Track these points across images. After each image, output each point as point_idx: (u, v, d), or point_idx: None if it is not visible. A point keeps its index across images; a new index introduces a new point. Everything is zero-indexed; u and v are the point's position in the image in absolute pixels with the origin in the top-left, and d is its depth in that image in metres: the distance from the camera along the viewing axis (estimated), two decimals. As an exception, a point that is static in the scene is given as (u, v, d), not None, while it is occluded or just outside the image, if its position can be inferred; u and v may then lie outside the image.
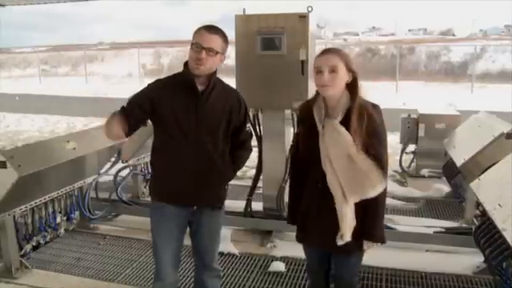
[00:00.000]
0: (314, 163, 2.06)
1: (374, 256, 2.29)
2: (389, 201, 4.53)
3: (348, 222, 1.99)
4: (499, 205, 2.49)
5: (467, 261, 3.46)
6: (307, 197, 2.16)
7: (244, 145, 2.43)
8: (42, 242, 3.74)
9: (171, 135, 2.22)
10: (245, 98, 2.41)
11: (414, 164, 6.24)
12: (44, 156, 3.40)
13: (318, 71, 2.00)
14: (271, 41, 3.69)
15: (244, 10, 3.79)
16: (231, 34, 3.05)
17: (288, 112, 3.85)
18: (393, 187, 5.33)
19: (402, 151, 6.22)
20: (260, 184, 4.20)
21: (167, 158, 2.26)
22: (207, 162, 2.24)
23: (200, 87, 2.22)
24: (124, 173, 4.68)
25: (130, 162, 4.53)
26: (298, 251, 2.40)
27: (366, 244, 2.09)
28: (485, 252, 2.83)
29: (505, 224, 2.35)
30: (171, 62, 24.00)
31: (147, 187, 4.74)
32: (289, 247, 3.62)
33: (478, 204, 3.48)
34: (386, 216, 2.20)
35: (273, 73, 3.72)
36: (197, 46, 2.15)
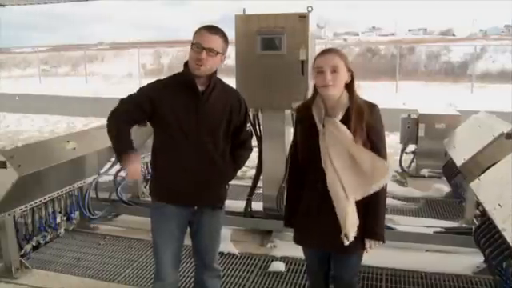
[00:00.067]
0: (314, 163, 2.06)
1: (374, 256, 2.29)
2: (389, 201, 4.52)
3: (351, 220, 1.99)
4: (499, 205, 2.49)
5: (467, 261, 3.46)
6: (307, 197, 2.15)
7: (244, 144, 2.43)
8: (41, 241, 3.74)
9: (172, 135, 2.22)
10: (245, 98, 2.41)
11: (413, 164, 6.24)
12: (44, 156, 3.40)
13: (320, 71, 2.01)
14: (271, 41, 3.69)
15: (244, 10, 3.79)
16: (231, 34, 3.05)
17: (288, 112, 3.86)
18: (393, 187, 5.33)
19: (402, 151, 6.22)
20: (260, 184, 4.20)
21: (167, 158, 2.26)
22: (208, 162, 2.24)
23: (200, 87, 2.22)
24: (124, 173, 4.68)
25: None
26: (297, 251, 2.39)
27: (368, 243, 2.09)
28: (485, 252, 2.83)
29: (505, 224, 2.35)
30: (171, 62, 24.01)
31: (147, 187, 4.74)
32: (289, 247, 3.61)
33: (478, 204, 3.48)
34: (386, 216, 2.20)
35: (273, 73, 3.72)
36: (197, 47, 2.15)
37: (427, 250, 3.73)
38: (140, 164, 2.27)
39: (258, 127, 4.00)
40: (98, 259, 3.67)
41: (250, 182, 4.37)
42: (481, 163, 3.55)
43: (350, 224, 1.99)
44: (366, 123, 2.00)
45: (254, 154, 3.23)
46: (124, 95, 2.30)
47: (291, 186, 2.29)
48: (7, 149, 3.53)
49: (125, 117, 2.23)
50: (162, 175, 2.32)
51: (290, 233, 2.27)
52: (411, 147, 6.26)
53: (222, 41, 2.20)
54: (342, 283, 2.27)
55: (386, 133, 2.14)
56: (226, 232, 3.77)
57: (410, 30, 39.34)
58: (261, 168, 4.09)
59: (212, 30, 2.19)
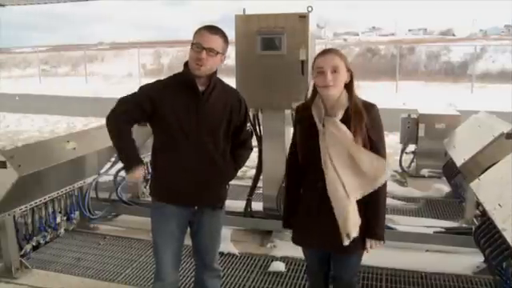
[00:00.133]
0: (314, 163, 2.06)
1: (374, 256, 2.29)
2: (389, 201, 4.52)
3: (352, 220, 1.99)
4: (499, 205, 2.49)
5: (467, 261, 3.47)
6: (307, 197, 2.16)
7: (245, 144, 2.44)
8: (41, 241, 3.74)
9: (172, 135, 2.22)
10: (245, 98, 2.41)
11: (413, 164, 6.24)
12: (44, 156, 3.40)
13: (320, 72, 2.01)
14: (271, 41, 3.69)
15: (244, 10, 3.79)
16: (231, 34, 3.05)
17: (288, 112, 3.86)
18: (393, 187, 5.33)
19: (402, 151, 6.23)
20: (260, 184, 4.21)
21: (168, 158, 2.26)
22: (208, 162, 2.25)
23: (200, 87, 2.22)
24: (124, 173, 4.67)
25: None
26: (297, 251, 2.39)
27: (368, 243, 2.09)
28: (485, 252, 2.83)
29: (505, 224, 2.35)
30: (171, 62, 24.02)
31: (147, 187, 4.74)
32: (289, 247, 3.58)
33: (478, 204, 3.47)
34: (386, 216, 2.20)
35: (273, 73, 3.72)
36: (197, 47, 2.15)
37: (427, 250, 3.73)
38: (143, 170, 2.28)
39: (258, 127, 4.00)
40: (98, 259, 3.67)
41: (250, 182, 4.37)
42: (481, 163, 3.55)
43: (352, 224, 1.99)
44: (365, 123, 2.01)
45: (254, 154, 3.23)
46: (123, 95, 2.29)
47: (290, 187, 2.28)
48: (7, 149, 3.52)
49: (125, 117, 2.23)
50: (162, 175, 2.31)
51: (289, 233, 2.26)
52: (411, 147, 6.26)
53: (222, 41, 2.20)
54: (341, 283, 2.27)
55: (386, 133, 2.15)
56: (226, 232, 3.77)
57: (410, 30, 39.39)
58: (261, 168, 4.09)
59: (212, 29, 2.19)
